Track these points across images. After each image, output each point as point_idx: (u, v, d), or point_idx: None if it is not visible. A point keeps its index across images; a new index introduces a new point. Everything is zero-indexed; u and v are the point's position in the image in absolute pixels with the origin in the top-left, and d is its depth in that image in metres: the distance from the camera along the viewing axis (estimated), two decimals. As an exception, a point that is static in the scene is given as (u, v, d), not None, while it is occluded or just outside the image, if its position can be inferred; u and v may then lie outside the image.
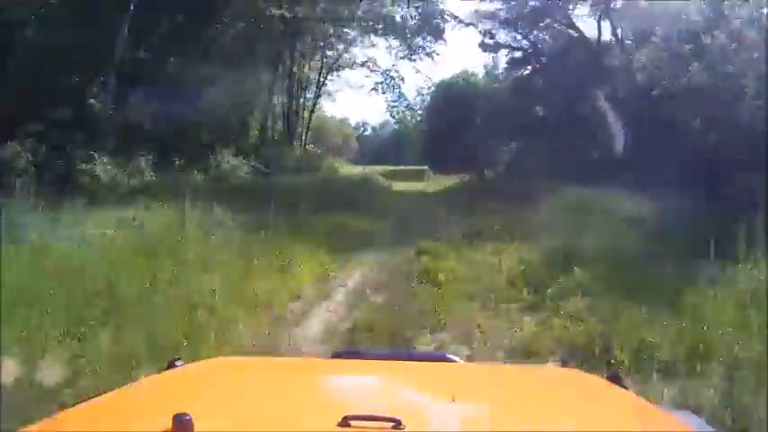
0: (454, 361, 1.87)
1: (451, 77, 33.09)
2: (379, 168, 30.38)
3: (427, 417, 1.28)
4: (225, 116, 16.53)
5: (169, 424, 1.01)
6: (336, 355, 2.00)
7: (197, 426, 1.01)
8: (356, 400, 1.36)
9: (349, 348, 3.86)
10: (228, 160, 15.74)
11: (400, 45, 25.22)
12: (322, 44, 24.64)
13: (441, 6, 23.93)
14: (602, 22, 19.84)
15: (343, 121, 63.79)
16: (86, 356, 4.37)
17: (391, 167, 32.67)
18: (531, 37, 23.90)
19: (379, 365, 1.76)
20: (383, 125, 45.91)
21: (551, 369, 2.42)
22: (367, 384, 1.57)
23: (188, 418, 1.01)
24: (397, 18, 22.91)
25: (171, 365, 1.65)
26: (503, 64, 27.06)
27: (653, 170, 11.04)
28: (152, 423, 1.08)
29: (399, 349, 4.31)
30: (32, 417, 1.32)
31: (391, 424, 1.05)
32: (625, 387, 1.59)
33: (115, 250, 6.53)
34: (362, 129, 65.65)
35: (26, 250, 5.99)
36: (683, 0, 13.71)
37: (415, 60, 26.21)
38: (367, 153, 54.90)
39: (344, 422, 1.05)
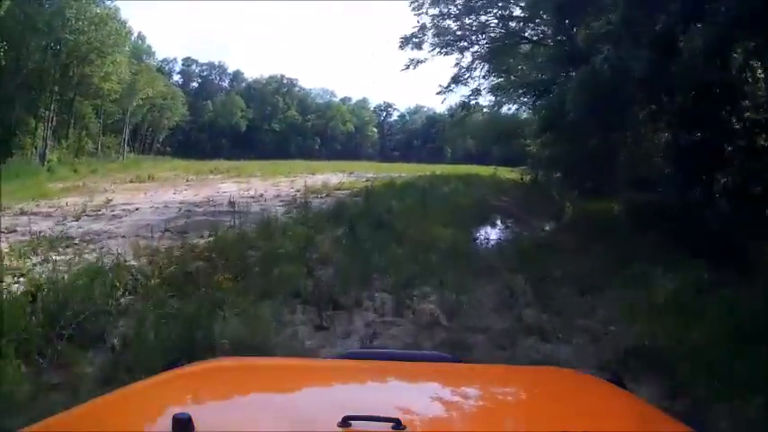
0: (454, 361, 1.88)
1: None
2: (384, 168, 23.20)
3: (427, 417, 1.28)
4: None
5: (169, 424, 1.01)
6: (336, 356, 2.00)
7: (197, 426, 1.01)
8: (356, 400, 1.36)
9: (349, 349, 3.87)
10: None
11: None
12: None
13: None
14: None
15: (361, 103, 48.76)
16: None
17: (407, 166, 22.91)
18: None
19: (379, 365, 1.76)
20: (415, 111, 36.66)
21: (551, 369, 2.43)
22: (367, 384, 1.57)
23: (188, 418, 1.01)
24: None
25: (171, 365, 1.65)
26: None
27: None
28: (152, 423, 1.08)
29: (399, 349, 4.32)
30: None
31: (391, 424, 1.05)
32: (625, 387, 1.59)
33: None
34: (384, 113, 49.55)
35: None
36: None
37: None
38: (392, 144, 42.67)
39: (344, 422, 1.05)
